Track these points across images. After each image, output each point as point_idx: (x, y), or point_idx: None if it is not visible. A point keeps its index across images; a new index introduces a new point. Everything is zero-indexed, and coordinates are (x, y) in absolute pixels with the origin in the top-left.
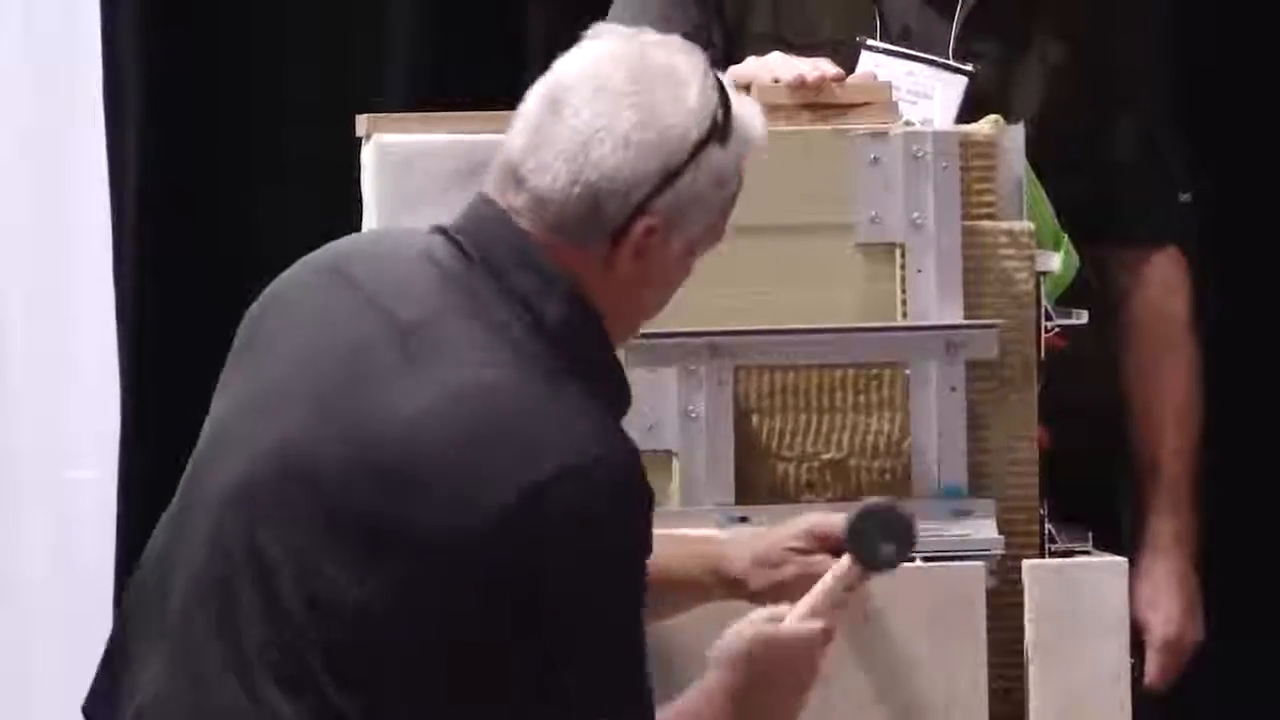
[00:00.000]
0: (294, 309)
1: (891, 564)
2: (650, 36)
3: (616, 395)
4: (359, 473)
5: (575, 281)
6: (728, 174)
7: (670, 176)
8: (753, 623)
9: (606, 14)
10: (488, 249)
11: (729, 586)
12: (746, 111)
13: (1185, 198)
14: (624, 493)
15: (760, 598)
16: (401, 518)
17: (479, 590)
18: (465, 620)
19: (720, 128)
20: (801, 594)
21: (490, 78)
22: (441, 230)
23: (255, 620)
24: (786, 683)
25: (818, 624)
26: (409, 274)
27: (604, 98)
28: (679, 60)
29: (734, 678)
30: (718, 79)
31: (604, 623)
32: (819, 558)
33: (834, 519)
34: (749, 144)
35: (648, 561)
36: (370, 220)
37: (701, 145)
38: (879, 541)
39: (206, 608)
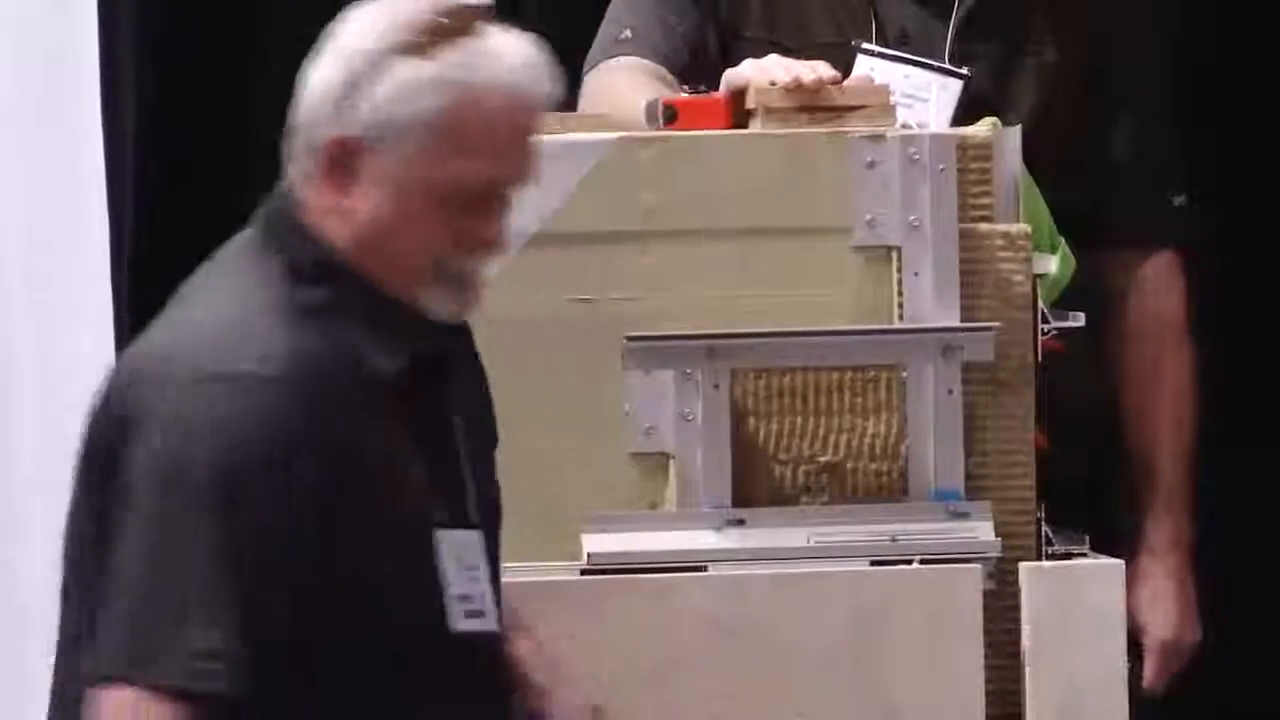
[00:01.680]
0: None
1: None
2: None
3: (335, 301)
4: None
5: (296, 199)
6: (427, 91)
7: (349, 87)
8: None
9: (604, 17)
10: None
11: None
12: (494, 46)
13: (1180, 200)
14: (244, 405)
15: None
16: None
17: (97, 471)
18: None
19: (421, 44)
20: None
21: None
22: None
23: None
24: None
25: None
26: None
27: (328, 51)
28: (422, 5)
29: None
30: (474, 9)
31: (157, 541)
32: None
33: None
34: (477, 71)
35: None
36: None
37: (384, 55)
38: None
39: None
